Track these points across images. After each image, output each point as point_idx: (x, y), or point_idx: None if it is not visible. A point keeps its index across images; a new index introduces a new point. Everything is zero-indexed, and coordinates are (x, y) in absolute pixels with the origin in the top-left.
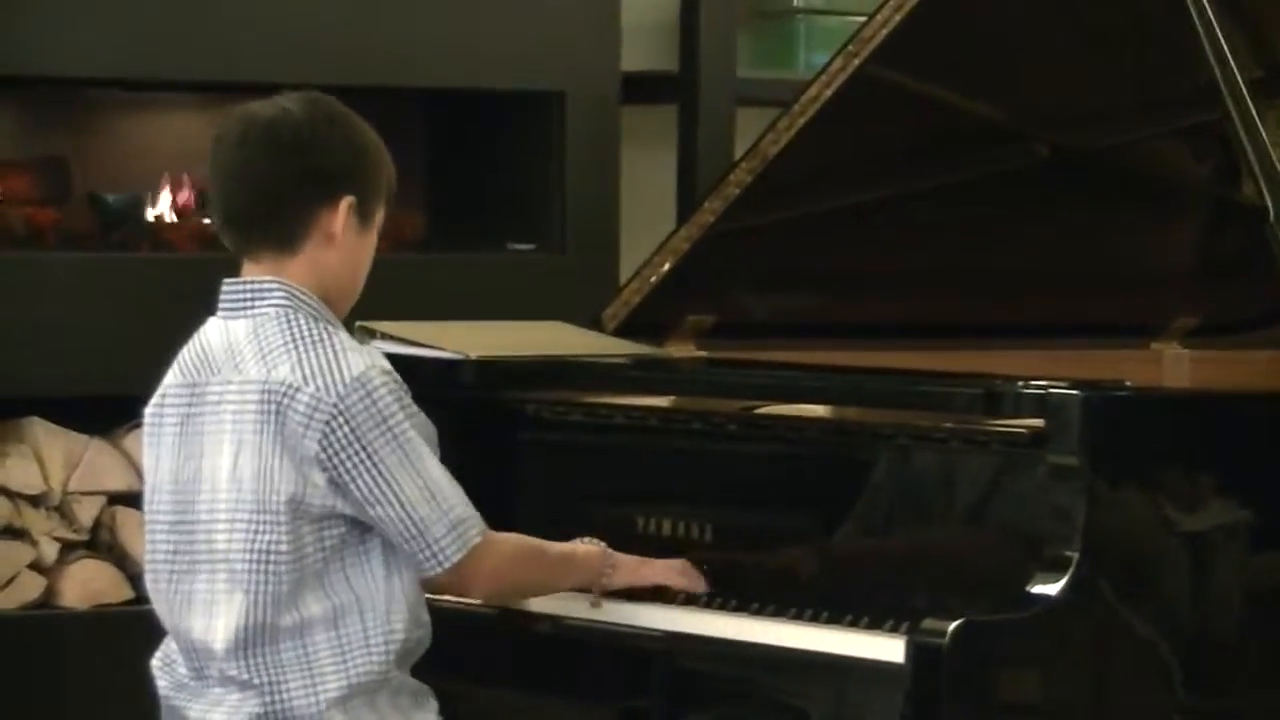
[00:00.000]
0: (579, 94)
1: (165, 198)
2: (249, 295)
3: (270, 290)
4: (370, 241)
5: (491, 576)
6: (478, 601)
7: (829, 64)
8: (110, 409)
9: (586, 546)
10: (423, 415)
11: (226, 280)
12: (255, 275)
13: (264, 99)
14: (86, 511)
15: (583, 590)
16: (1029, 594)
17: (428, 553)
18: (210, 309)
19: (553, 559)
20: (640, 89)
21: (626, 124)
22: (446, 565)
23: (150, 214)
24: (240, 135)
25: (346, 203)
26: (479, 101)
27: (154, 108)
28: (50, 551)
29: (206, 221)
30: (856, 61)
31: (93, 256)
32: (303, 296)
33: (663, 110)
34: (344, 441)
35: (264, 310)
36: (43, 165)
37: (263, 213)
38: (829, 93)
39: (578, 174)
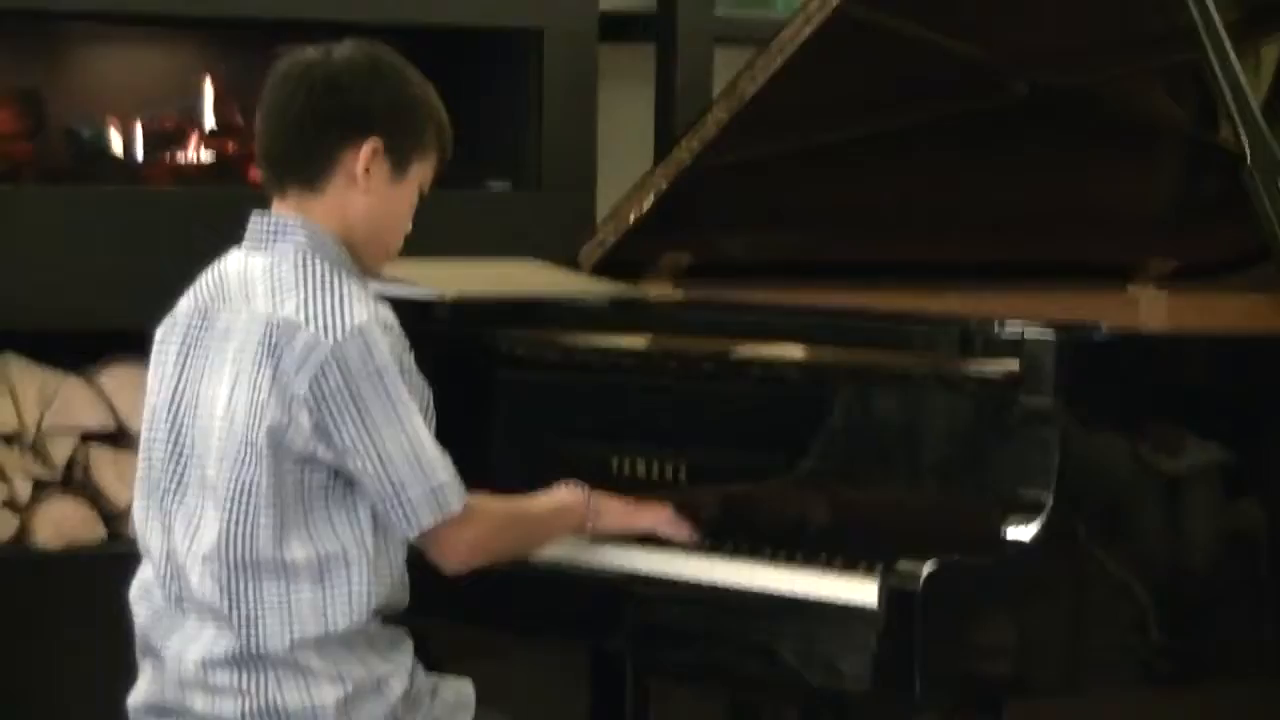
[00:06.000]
0: (557, 31)
1: (139, 132)
2: (272, 232)
3: (293, 229)
4: (407, 194)
5: (469, 550)
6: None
7: (807, 3)
8: (85, 345)
9: (568, 495)
10: (421, 378)
11: (255, 212)
12: (282, 213)
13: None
14: (60, 450)
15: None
16: (1003, 537)
17: (400, 513)
18: (187, 244)
19: (533, 520)
20: (618, 27)
21: (604, 62)
22: (416, 530)
23: (125, 149)
24: (283, 75)
25: (371, 145)
26: (456, 39)
27: (128, 42)
28: (24, 490)
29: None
30: (834, 0)
31: (67, 191)
32: (325, 240)
33: (641, 48)
34: (334, 388)
35: (283, 248)
36: (17, 99)
37: (289, 149)
38: (807, 31)
39: (555, 112)
